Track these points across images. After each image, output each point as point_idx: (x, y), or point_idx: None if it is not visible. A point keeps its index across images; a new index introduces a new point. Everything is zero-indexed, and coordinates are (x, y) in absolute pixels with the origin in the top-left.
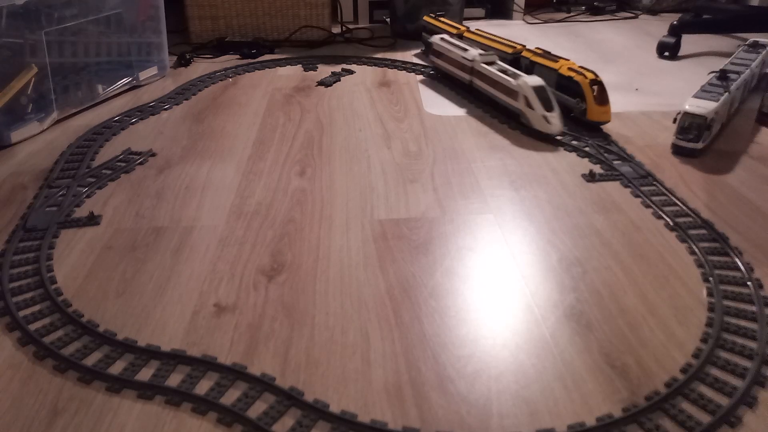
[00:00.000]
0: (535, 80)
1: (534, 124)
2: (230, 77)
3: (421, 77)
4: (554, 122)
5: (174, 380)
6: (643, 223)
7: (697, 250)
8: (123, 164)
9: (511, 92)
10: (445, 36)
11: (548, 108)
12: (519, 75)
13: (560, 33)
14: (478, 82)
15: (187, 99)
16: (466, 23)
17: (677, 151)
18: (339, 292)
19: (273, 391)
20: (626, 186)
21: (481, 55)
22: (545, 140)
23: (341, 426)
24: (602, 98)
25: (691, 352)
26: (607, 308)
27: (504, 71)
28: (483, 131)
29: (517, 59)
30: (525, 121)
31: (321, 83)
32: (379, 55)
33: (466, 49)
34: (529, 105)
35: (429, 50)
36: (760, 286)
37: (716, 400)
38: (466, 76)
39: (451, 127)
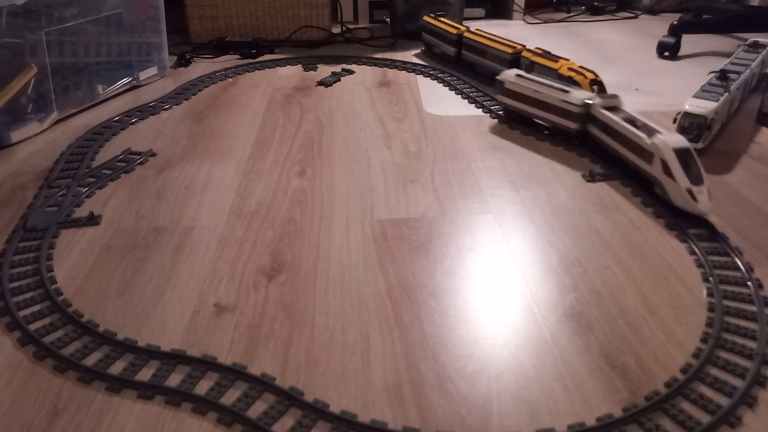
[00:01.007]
0: (678, 140)
1: (673, 198)
2: (230, 77)
3: (420, 77)
4: (703, 200)
5: (174, 380)
6: (643, 223)
7: (697, 250)
8: (123, 164)
9: (643, 152)
10: (522, 72)
11: (696, 179)
12: (654, 130)
13: (560, 33)
14: (597, 132)
15: (187, 99)
16: (466, 23)
17: None
18: (339, 292)
19: (273, 391)
20: (626, 186)
21: (602, 98)
22: (546, 141)
23: (341, 426)
24: None
25: (691, 352)
26: (607, 308)
27: (630, 120)
28: (483, 131)
29: (517, 59)
30: (660, 192)
31: (321, 83)
32: (379, 55)
33: (566, 91)
34: (668, 173)
35: (497, 87)
36: (760, 286)
37: (716, 400)
38: (571, 125)
39: (451, 127)
